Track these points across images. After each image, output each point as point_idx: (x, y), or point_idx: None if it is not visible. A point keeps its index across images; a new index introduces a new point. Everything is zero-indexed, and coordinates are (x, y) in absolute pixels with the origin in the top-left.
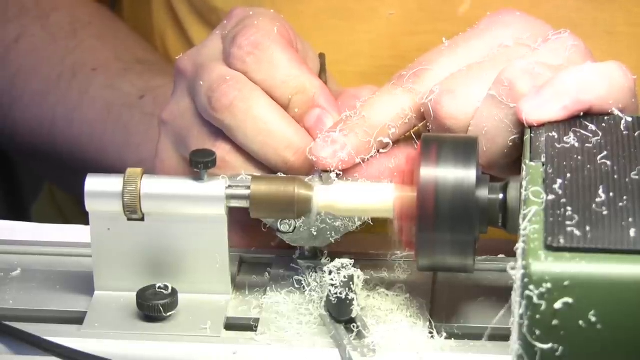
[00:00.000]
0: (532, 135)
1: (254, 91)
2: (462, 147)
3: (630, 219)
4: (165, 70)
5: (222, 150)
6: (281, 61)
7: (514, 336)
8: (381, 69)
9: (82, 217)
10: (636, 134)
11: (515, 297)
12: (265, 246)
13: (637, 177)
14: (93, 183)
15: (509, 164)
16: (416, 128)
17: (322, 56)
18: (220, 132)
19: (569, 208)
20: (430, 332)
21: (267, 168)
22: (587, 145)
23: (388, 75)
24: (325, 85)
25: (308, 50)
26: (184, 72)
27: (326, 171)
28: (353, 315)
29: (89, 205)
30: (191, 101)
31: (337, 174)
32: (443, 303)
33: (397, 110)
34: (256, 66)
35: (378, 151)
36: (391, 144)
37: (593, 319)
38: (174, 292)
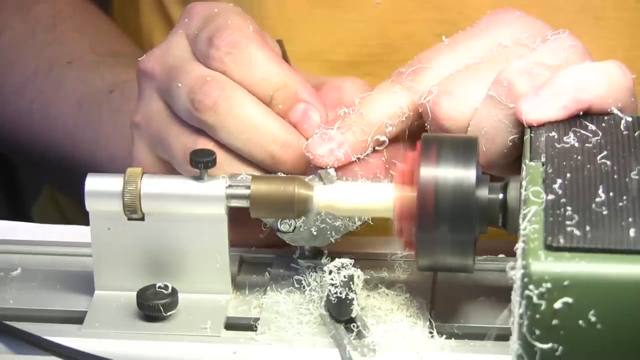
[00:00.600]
0: (531, 135)
1: (236, 90)
2: (462, 147)
3: (630, 219)
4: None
5: (204, 147)
6: (260, 59)
7: (514, 336)
8: (369, 58)
9: (82, 217)
10: (636, 134)
11: (515, 297)
12: (256, 239)
13: (637, 177)
14: (93, 183)
15: (508, 163)
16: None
17: (280, 43)
18: (201, 130)
19: (568, 208)
20: (430, 332)
21: (253, 163)
22: (587, 145)
23: (376, 64)
24: (306, 80)
25: (271, 43)
26: (151, 74)
27: (323, 168)
28: (353, 315)
29: (89, 205)
30: (163, 103)
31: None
32: (443, 303)
33: (395, 109)
34: (235, 66)
35: (374, 149)
36: (387, 142)
37: (593, 318)
38: (174, 291)
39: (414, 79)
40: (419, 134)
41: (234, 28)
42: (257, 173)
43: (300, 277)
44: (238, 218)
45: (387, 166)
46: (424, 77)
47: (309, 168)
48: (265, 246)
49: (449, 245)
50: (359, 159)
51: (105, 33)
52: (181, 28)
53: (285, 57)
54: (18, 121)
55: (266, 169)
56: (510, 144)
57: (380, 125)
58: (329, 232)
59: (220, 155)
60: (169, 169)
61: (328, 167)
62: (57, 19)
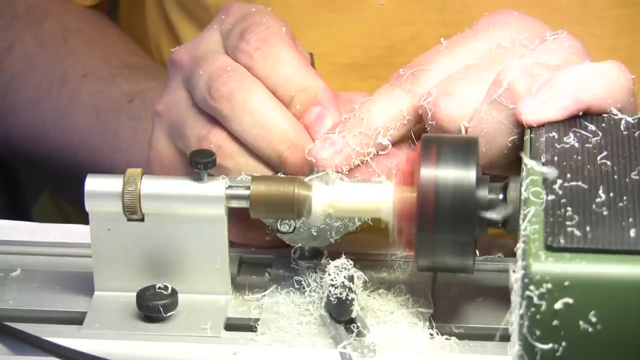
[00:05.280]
0: (532, 135)
1: (254, 83)
2: (462, 148)
3: (630, 219)
4: (153, 74)
5: (218, 137)
6: (287, 59)
7: (514, 336)
8: (373, 60)
9: (82, 218)
10: (636, 134)
11: (516, 297)
12: (260, 240)
13: (637, 177)
14: (93, 183)
15: (509, 164)
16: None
17: (311, 55)
18: (216, 120)
19: (569, 208)
20: (430, 332)
21: (262, 159)
22: (587, 145)
23: (380, 66)
24: (328, 87)
25: (302, 49)
26: (180, 64)
27: (326, 172)
28: (353, 316)
29: (89, 205)
30: (187, 92)
31: (338, 175)
32: (443, 303)
33: (396, 112)
34: (262, 62)
35: (377, 152)
36: (390, 145)
37: (593, 319)
38: (174, 292)
39: (414, 82)
40: None
41: (267, 26)
42: (266, 169)
43: (300, 278)
44: (243, 218)
45: (394, 172)
46: (423, 79)
47: (313, 171)
48: (265, 246)
49: (449, 246)
50: (362, 162)
51: (117, 45)
52: (216, 24)
53: (312, 66)
54: (32, 135)
55: (273, 166)
56: (510, 144)
57: (382, 129)
58: (328, 233)
59: (232, 147)
60: (185, 160)
61: (332, 171)
62: (67, 33)
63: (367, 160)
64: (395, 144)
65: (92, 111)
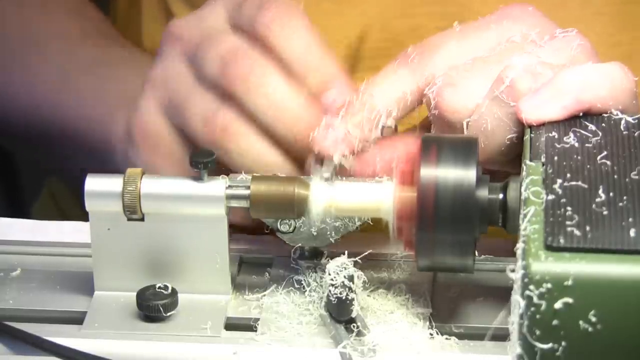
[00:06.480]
0: (532, 135)
1: (268, 65)
2: (462, 147)
3: (630, 219)
4: (134, 60)
5: (226, 118)
6: (303, 36)
7: (514, 336)
8: (373, 52)
9: (82, 218)
10: (636, 134)
11: (516, 297)
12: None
13: (637, 177)
14: (93, 183)
15: (507, 161)
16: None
17: None
18: (223, 100)
19: (568, 208)
20: (430, 332)
21: (273, 138)
22: (587, 145)
23: (380, 59)
24: (341, 69)
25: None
26: (179, 37)
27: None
28: (353, 315)
29: (89, 205)
30: (189, 68)
31: (338, 164)
32: (443, 303)
33: (399, 94)
34: (280, 34)
35: (382, 135)
36: (393, 127)
37: (593, 319)
38: (174, 292)
39: (420, 61)
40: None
41: (284, 2)
42: (276, 149)
43: (300, 278)
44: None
45: (394, 167)
46: (430, 60)
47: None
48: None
49: (449, 246)
50: (365, 147)
51: (97, 22)
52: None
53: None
54: (4, 98)
55: (286, 146)
56: (508, 142)
57: (385, 111)
58: (328, 233)
59: (241, 128)
60: (177, 136)
61: (335, 156)
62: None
63: (371, 145)
64: (400, 133)
65: (60, 71)
